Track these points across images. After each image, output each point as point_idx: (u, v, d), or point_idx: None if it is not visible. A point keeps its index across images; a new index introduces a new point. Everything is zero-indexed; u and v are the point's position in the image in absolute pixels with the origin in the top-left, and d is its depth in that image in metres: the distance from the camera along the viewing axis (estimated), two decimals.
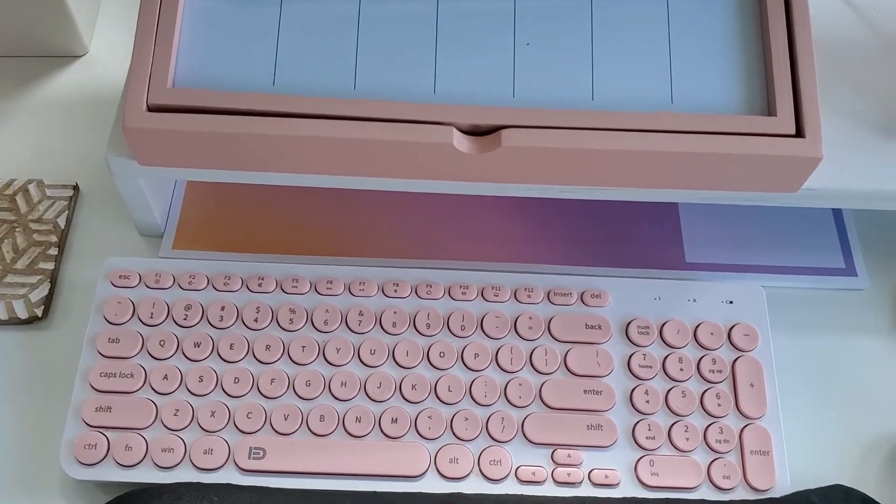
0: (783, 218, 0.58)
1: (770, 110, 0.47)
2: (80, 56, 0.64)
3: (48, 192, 0.57)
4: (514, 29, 0.48)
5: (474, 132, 0.47)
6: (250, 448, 0.48)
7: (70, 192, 0.57)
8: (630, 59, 0.48)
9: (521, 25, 0.48)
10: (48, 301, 0.53)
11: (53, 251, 0.55)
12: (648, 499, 0.47)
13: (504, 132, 0.46)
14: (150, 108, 0.46)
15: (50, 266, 0.54)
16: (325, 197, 0.58)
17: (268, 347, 0.50)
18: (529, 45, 0.48)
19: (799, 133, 0.47)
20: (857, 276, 0.56)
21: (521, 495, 0.47)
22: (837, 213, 0.59)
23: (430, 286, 0.52)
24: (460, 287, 0.52)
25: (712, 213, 0.58)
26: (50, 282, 0.54)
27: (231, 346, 0.50)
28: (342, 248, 0.56)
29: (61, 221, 0.56)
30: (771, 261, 0.57)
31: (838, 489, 0.47)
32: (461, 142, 0.47)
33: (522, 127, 0.46)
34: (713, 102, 0.48)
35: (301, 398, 0.49)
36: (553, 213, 0.58)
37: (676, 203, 0.58)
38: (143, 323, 0.51)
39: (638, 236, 0.57)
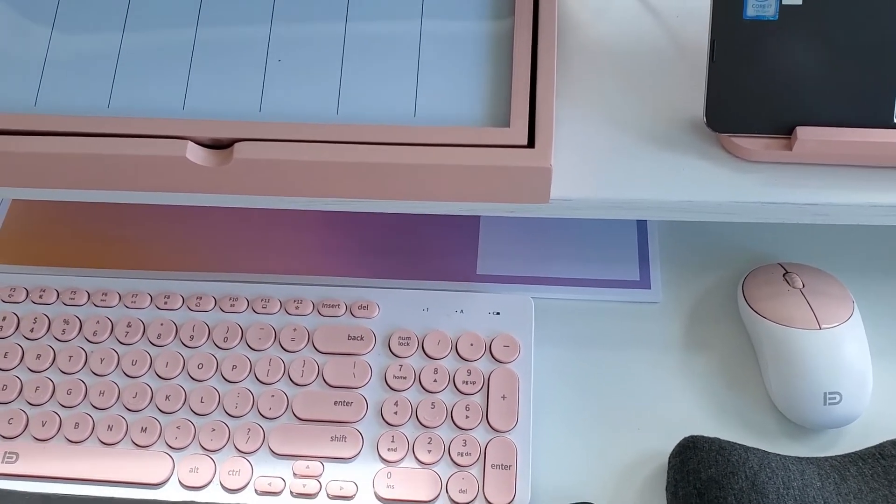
0: (586, 230, 0.57)
1: (508, 123, 0.47)
2: None
3: None
4: (267, 46, 0.49)
5: (217, 146, 0.48)
6: (4, 452, 0.49)
7: None
8: (379, 76, 0.48)
9: (274, 43, 0.49)
10: None
11: None
12: None
13: (237, 145, 0.47)
14: None
15: None
16: (138, 211, 0.59)
17: (38, 356, 0.52)
18: (281, 61, 0.49)
19: (531, 144, 0.46)
20: (650, 288, 0.55)
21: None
22: (641, 226, 0.57)
23: (201, 298, 0.53)
24: (230, 299, 0.53)
25: (514, 226, 0.57)
26: None
27: (5, 354, 0.52)
28: (122, 261, 0.58)
29: None
30: (567, 273, 0.56)
31: None
32: (197, 155, 0.48)
33: (257, 140, 0.47)
34: (456, 116, 0.47)
35: (62, 406, 0.51)
36: (351, 224, 0.58)
37: (479, 215, 0.58)
38: None
39: (434, 248, 0.57)
